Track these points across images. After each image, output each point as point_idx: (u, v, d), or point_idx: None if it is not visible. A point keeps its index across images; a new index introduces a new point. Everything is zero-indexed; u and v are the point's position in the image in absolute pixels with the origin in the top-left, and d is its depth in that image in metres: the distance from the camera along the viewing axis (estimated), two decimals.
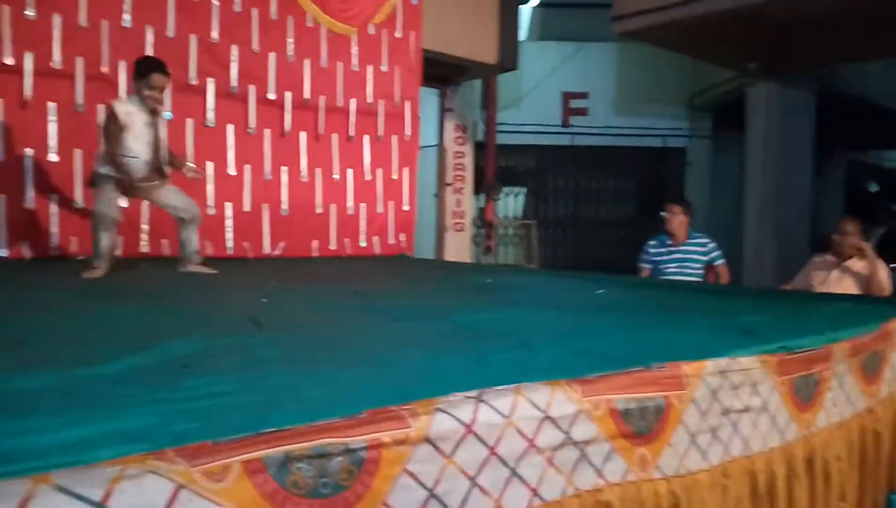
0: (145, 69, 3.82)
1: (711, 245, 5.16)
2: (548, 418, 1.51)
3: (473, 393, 1.43)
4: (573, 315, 2.68)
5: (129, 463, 1.04)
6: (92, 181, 3.91)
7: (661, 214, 5.14)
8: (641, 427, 1.70)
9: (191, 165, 4.27)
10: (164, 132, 3.98)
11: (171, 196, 4.07)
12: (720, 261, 5.16)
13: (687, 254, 5.09)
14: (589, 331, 2.29)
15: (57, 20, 4.77)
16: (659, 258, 5.14)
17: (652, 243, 5.25)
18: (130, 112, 3.78)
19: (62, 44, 4.80)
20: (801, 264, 5.00)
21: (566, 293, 3.59)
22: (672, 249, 5.12)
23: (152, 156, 3.86)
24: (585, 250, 12.08)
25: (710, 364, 1.93)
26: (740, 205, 9.59)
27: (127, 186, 3.85)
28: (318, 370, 1.65)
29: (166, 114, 4.96)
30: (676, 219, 5.08)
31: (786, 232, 8.25)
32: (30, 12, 4.68)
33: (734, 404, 1.98)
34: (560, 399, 1.53)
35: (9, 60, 4.62)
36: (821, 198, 9.74)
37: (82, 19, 4.87)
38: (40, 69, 4.73)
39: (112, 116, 3.75)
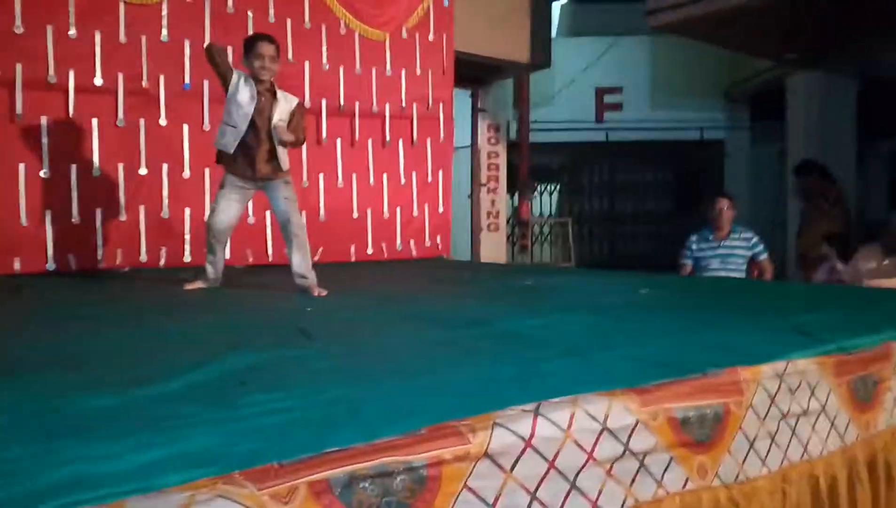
0: (250, 42, 3.79)
1: (755, 240, 5.06)
2: (606, 429, 1.49)
3: (530, 406, 1.42)
4: (620, 319, 2.65)
5: (199, 488, 1.05)
6: (217, 159, 3.88)
7: (717, 208, 4.97)
8: (700, 436, 1.68)
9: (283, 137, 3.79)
10: (279, 114, 3.79)
11: (281, 200, 3.87)
12: (764, 256, 5.06)
13: (730, 249, 5.00)
14: (639, 335, 2.26)
15: (98, 37, 4.88)
16: (701, 254, 5.06)
17: (693, 238, 5.16)
18: (239, 85, 3.72)
19: (102, 61, 4.91)
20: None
21: (610, 294, 3.55)
22: (715, 244, 5.03)
23: (255, 133, 3.74)
24: (622, 247, 11.96)
25: (767, 369, 1.89)
26: (781, 196, 9.41)
27: (244, 170, 3.78)
28: (372, 384, 1.66)
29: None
30: (728, 213, 4.99)
31: None
32: (72, 32, 4.79)
33: (792, 408, 1.94)
34: (618, 410, 1.52)
35: (52, 79, 4.74)
36: (867, 188, 9.49)
37: (122, 37, 4.98)
38: (82, 86, 4.85)
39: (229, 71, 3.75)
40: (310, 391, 1.58)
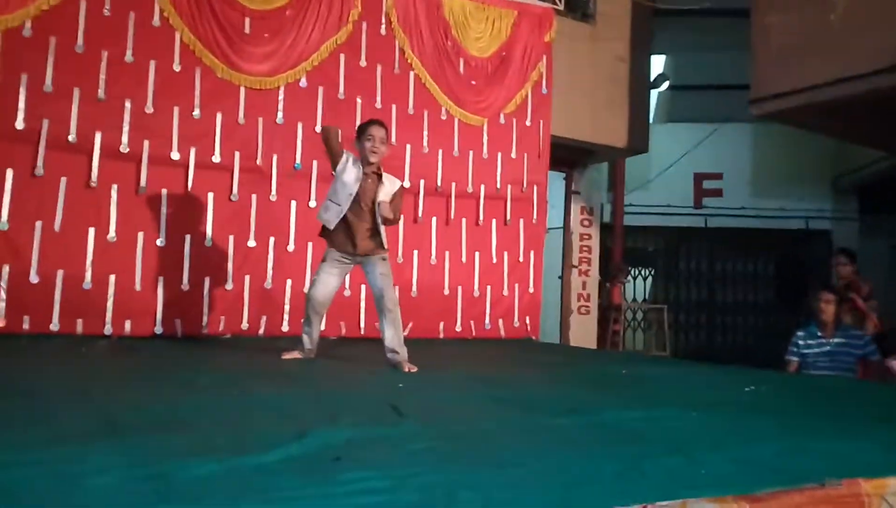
0: (364, 125, 4.03)
1: (866, 338, 4.76)
2: None
3: None
4: (726, 416, 2.51)
5: None
6: (321, 232, 4.07)
7: (822, 303, 4.74)
8: None
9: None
10: (383, 195, 3.96)
11: (378, 275, 3.98)
12: (876, 356, 4.73)
13: (840, 347, 4.71)
14: (747, 436, 2.13)
15: (219, 118, 5.26)
16: (809, 351, 4.78)
17: (801, 334, 4.89)
18: (347, 165, 3.94)
19: (221, 140, 5.27)
20: None
21: (713, 389, 3.39)
22: (823, 341, 4.75)
23: (358, 211, 3.91)
24: (721, 338, 11.45)
25: (892, 482, 1.74)
26: (894, 292, 8.84)
27: (346, 245, 3.94)
28: (467, 471, 1.63)
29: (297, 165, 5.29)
30: (831, 309, 4.73)
31: None
32: (196, 113, 5.19)
33: None
34: None
35: (175, 155, 5.11)
36: None
37: (241, 118, 5.34)
38: (201, 162, 5.20)
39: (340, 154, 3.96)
40: (405, 472, 1.57)
